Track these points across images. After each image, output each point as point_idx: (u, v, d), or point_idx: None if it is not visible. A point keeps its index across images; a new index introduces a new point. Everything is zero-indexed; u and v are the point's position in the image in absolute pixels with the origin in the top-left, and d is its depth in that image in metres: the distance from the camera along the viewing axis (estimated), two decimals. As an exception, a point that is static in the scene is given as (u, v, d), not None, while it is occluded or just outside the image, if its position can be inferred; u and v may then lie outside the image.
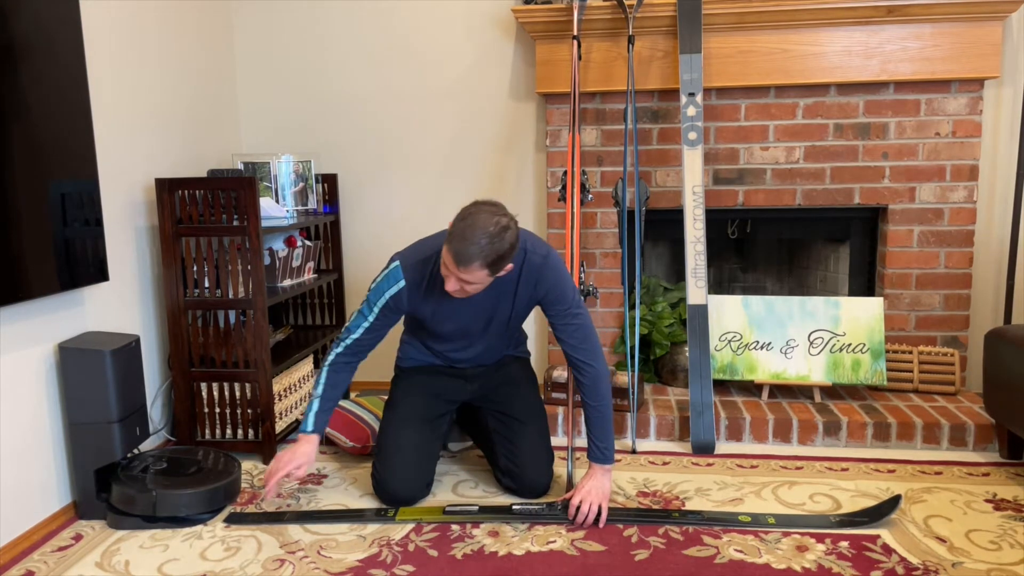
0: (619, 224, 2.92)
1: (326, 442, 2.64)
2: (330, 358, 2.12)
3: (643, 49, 2.84)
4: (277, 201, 2.79)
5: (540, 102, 3.06)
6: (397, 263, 2.02)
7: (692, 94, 2.70)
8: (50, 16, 1.96)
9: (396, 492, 2.13)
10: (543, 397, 2.73)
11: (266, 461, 2.48)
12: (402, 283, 2.01)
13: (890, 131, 2.81)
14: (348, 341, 2.10)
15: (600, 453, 2.05)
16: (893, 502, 2.04)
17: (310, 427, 2.08)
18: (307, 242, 2.91)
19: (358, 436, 2.50)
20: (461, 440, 2.57)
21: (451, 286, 1.86)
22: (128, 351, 2.12)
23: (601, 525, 2.00)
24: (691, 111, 2.69)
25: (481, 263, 1.79)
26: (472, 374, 2.24)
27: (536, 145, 3.10)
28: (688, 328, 2.67)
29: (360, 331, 2.09)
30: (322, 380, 2.11)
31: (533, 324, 3.20)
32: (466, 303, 2.03)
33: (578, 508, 2.01)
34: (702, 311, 2.67)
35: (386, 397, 2.75)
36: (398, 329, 3.24)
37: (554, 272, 2.02)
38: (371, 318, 2.06)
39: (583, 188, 2.63)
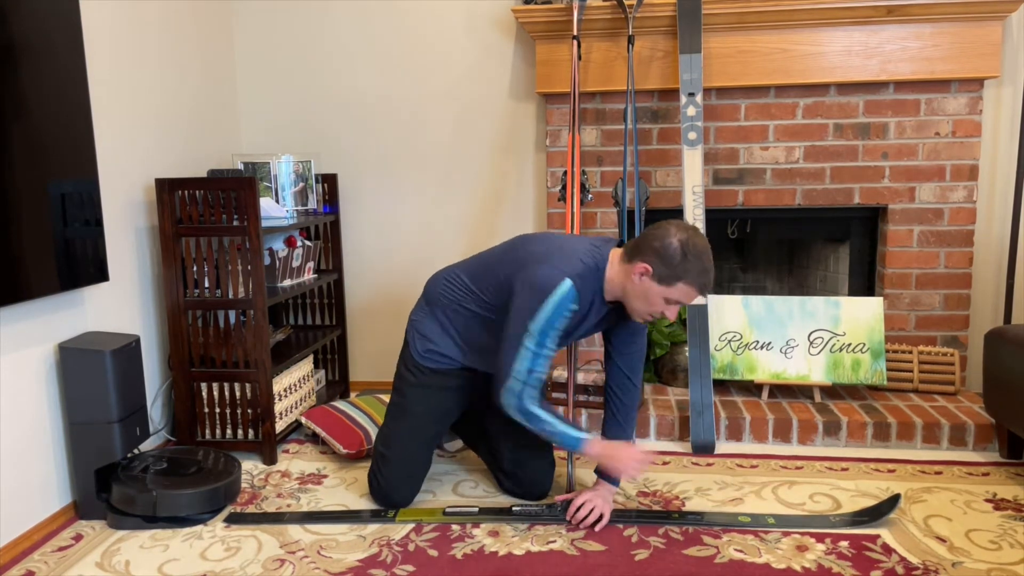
0: (619, 224, 2.92)
1: (322, 442, 2.63)
2: (535, 403, 1.90)
3: (643, 49, 2.84)
4: (277, 201, 2.79)
5: (540, 102, 3.06)
6: (570, 282, 1.84)
7: (692, 94, 2.70)
8: (50, 16, 1.96)
9: (395, 500, 2.14)
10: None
11: (266, 461, 2.49)
12: (575, 304, 1.86)
13: (890, 131, 2.81)
14: (540, 377, 1.90)
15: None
16: (892, 501, 2.04)
17: (583, 433, 1.93)
18: (307, 242, 2.91)
19: (351, 442, 2.49)
20: (456, 439, 2.57)
21: (673, 315, 1.87)
22: (128, 351, 2.12)
23: (597, 529, 2.00)
24: (691, 111, 2.69)
25: None
26: (482, 377, 2.22)
27: (536, 145, 3.10)
28: (688, 328, 2.67)
29: (545, 368, 1.90)
30: (545, 412, 1.91)
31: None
32: (590, 321, 1.98)
33: (579, 508, 2.02)
34: (702, 311, 2.67)
35: (384, 397, 2.76)
36: (394, 319, 3.25)
37: None
38: (553, 348, 1.89)
39: (583, 188, 2.64)
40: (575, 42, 2.69)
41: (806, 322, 2.76)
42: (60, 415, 2.12)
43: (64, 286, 2.03)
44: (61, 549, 1.96)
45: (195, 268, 2.45)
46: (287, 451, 2.61)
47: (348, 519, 2.07)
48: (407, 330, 2.19)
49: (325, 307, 3.22)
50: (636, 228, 2.63)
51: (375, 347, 3.32)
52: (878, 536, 1.93)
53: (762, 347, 2.77)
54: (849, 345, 2.72)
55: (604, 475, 2.06)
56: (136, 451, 2.27)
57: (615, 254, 1.91)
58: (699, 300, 2.65)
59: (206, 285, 2.47)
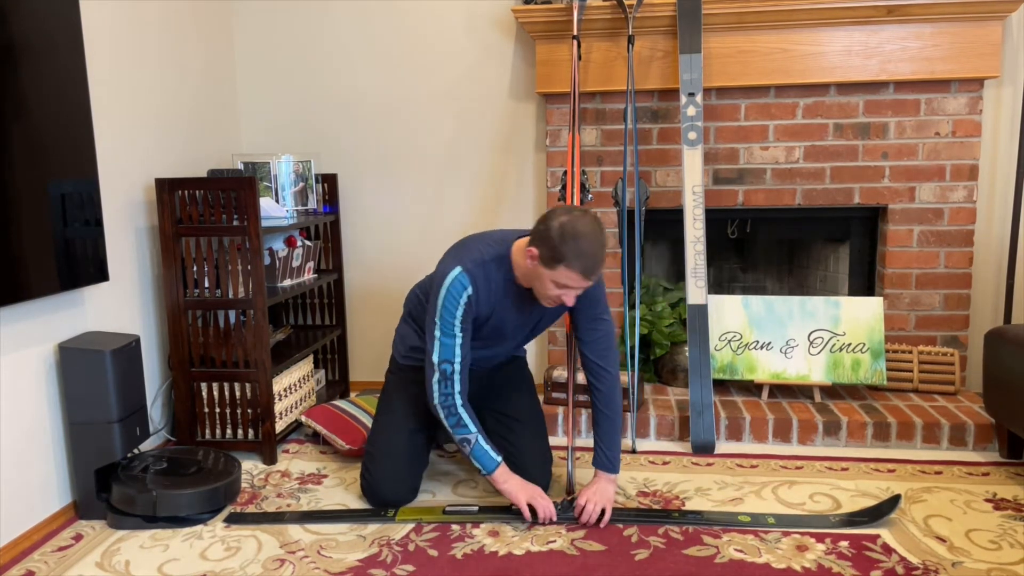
0: (619, 224, 2.92)
1: (322, 442, 2.64)
2: (458, 400, 1.99)
3: (643, 49, 2.84)
4: (277, 201, 2.79)
5: (540, 102, 3.06)
6: (460, 268, 1.93)
7: (692, 94, 2.70)
8: (50, 16, 1.96)
9: (384, 496, 2.14)
10: (543, 397, 2.73)
11: (266, 461, 2.49)
12: (470, 289, 1.93)
13: (890, 131, 2.81)
14: (458, 368, 1.97)
15: (608, 462, 2.07)
16: (893, 502, 2.04)
17: (499, 457, 2.03)
18: (307, 242, 2.91)
19: (353, 438, 2.49)
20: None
21: (571, 301, 1.89)
22: (128, 351, 2.12)
23: (602, 526, 2.01)
24: (691, 111, 2.69)
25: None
26: (473, 376, 2.23)
27: (536, 145, 3.10)
28: (688, 328, 2.67)
29: (459, 355, 1.97)
30: (469, 419, 2.00)
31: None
32: (521, 308, 2.02)
33: (583, 508, 2.02)
34: (702, 311, 2.67)
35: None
36: (394, 319, 3.25)
37: None
38: (459, 334, 1.95)
39: (583, 188, 2.64)
40: (575, 42, 2.69)
41: (806, 322, 2.76)
42: (60, 415, 2.12)
43: (64, 286, 2.03)
44: (61, 549, 1.96)
45: (195, 268, 2.46)
46: (287, 451, 2.61)
47: (348, 519, 2.07)
48: (392, 344, 2.28)
49: (325, 307, 3.22)
50: (636, 228, 2.63)
51: (375, 347, 3.32)
52: (878, 536, 1.93)
53: (762, 347, 2.77)
54: (849, 345, 2.72)
55: (603, 467, 2.07)
56: (136, 451, 2.27)
57: (524, 240, 1.95)
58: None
59: (206, 285, 2.47)
